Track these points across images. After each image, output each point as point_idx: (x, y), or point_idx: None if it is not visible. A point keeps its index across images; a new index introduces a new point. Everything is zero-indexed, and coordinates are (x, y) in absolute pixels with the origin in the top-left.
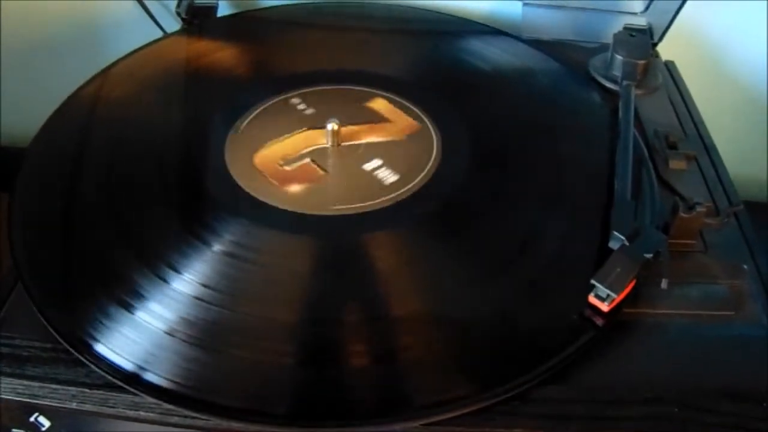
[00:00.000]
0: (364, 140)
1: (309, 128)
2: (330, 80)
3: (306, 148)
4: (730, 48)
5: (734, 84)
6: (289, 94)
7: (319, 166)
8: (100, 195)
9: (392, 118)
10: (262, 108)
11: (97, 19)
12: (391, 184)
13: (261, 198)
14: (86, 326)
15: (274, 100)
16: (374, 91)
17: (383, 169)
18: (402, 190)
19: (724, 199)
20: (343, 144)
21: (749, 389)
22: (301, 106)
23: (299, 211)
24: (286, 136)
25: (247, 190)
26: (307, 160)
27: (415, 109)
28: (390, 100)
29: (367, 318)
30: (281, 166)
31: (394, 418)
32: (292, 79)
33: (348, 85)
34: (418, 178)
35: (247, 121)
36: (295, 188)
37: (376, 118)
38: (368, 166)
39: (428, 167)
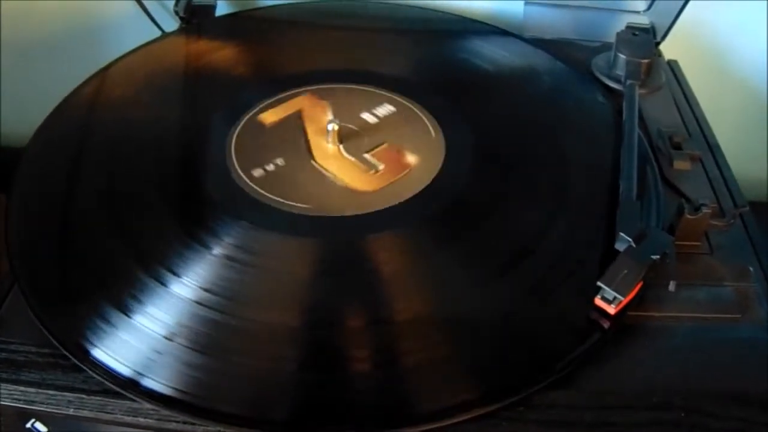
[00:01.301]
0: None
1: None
2: (329, 80)
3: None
4: (733, 47)
5: (737, 83)
6: (287, 93)
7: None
8: (98, 196)
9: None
10: (260, 107)
11: (95, 18)
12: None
13: (261, 200)
14: (84, 331)
15: (273, 99)
16: (375, 90)
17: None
18: (405, 192)
19: (729, 200)
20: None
21: (756, 393)
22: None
23: (300, 213)
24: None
25: (247, 191)
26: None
27: (417, 109)
28: (391, 100)
29: (369, 322)
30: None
31: (396, 424)
32: (291, 79)
33: (348, 84)
34: (422, 180)
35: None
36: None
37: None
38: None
39: (431, 168)
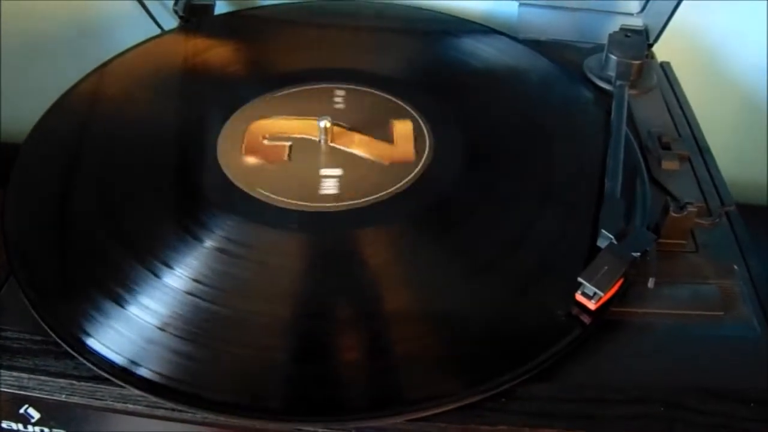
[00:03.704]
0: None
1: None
2: (325, 78)
3: (297, 133)
4: (726, 49)
5: (731, 85)
6: (282, 91)
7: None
8: (93, 190)
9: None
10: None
11: (95, 16)
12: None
13: (253, 194)
14: (77, 319)
15: (267, 96)
16: (368, 89)
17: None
18: (394, 187)
19: (717, 199)
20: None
21: (737, 389)
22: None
23: (291, 207)
24: (290, 117)
25: (240, 185)
26: (287, 143)
27: (409, 107)
28: (384, 99)
29: (355, 314)
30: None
31: (379, 414)
32: (287, 77)
33: (342, 83)
34: (410, 176)
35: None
36: (252, 161)
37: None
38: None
39: (420, 165)
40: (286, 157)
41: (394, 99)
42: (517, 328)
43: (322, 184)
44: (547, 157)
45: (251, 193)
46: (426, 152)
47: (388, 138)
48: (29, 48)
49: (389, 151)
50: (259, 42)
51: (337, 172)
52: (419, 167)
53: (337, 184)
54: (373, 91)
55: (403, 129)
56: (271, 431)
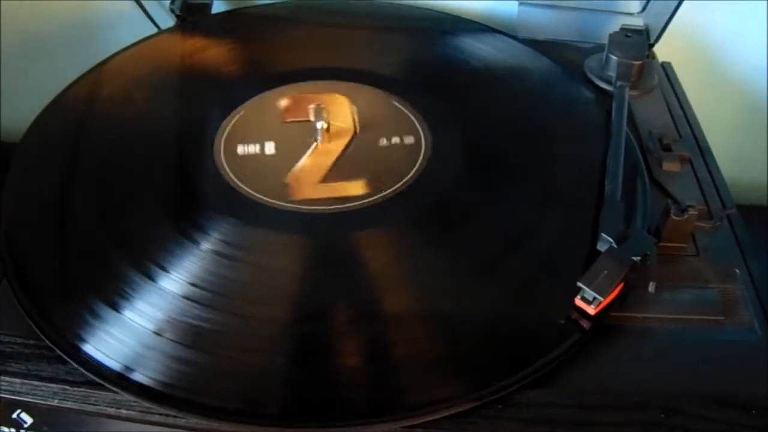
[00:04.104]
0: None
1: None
2: (322, 77)
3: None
4: (727, 50)
5: (732, 86)
6: (278, 90)
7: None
8: (90, 192)
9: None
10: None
11: (92, 15)
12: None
13: (250, 196)
14: (70, 323)
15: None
16: (366, 88)
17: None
18: (392, 189)
19: (718, 201)
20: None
21: (738, 395)
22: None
23: (288, 209)
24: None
25: (236, 188)
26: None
27: (406, 107)
28: (382, 98)
29: (352, 319)
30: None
31: (376, 419)
32: (285, 77)
33: (340, 82)
34: (408, 176)
35: (236, 118)
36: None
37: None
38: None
39: (417, 166)
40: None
41: (391, 98)
42: (516, 333)
43: (368, 173)
44: (546, 158)
45: (249, 196)
46: (423, 153)
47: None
48: (28, 47)
49: (384, 127)
50: (257, 41)
51: (368, 157)
52: (417, 168)
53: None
54: (370, 90)
55: (374, 104)
56: None
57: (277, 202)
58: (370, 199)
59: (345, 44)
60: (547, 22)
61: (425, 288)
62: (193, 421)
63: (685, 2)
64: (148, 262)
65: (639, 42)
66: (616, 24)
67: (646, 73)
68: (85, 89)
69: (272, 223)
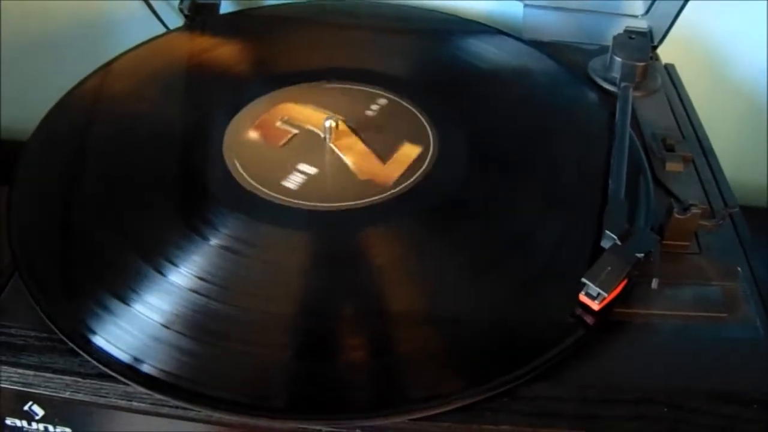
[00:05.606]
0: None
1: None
2: (330, 77)
3: (307, 124)
4: (731, 52)
5: (735, 88)
6: (286, 89)
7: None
8: (99, 188)
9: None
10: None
11: (100, 14)
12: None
13: (258, 193)
14: (82, 317)
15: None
16: (373, 89)
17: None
18: (399, 188)
19: (720, 201)
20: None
21: (740, 391)
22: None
23: (297, 206)
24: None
25: (245, 185)
26: (294, 131)
27: (413, 107)
28: (388, 98)
29: (358, 314)
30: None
31: (382, 413)
32: (293, 77)
33: (348, 82)
34: (415, 176)
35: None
36: (253, 136)
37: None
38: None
39: (425, 165)
40: (282, 143)
41: (398, 99)
42: (520, 328)
43: (289, 176)
44: (551, 158)
45: (257, 192)
46: (431, 153)
47: (386, 154)
48: (34, 46)
49: (373, 169)
50: (264, 41)
51: (311, 170)
52: (424, 168)
53: (303, 181)
54: (377, 90)
55: (406, 153)
56: (275, 429)
57: (286, 199)
58: (377, 197)
59: (352, 45)
60: (551, 23)
61: (433, 285)
62: (204, 413)
63: (688, 4)
64: (157, 257)
65: (643, 44)
66: (620, 26)
67: (650, 75)
68: (94, 88)
69: (281, 220)
